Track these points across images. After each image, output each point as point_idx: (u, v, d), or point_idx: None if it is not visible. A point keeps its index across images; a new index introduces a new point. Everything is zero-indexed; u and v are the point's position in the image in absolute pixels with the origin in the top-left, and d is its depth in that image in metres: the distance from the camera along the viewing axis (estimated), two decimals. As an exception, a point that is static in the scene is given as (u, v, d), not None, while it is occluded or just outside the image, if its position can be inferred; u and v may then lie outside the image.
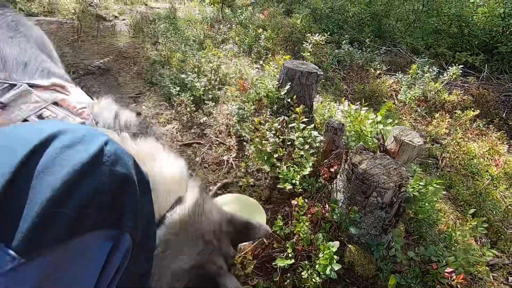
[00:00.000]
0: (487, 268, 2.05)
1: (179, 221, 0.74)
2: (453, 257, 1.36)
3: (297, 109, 1.92)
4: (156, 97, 3.28)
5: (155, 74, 3.47)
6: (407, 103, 3.75)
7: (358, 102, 2.75)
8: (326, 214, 1.63)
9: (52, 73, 1.00)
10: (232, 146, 2.30)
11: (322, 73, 2.26)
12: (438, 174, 2.91)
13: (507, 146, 3.29)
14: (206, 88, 3.02)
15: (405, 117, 3.62)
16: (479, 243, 2.25)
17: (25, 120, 0.77)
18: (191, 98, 2.79)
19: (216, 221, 0.82)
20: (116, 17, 5.67)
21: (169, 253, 0.71)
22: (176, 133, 2.61)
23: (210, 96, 2.91)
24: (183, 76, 2.96)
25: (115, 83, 3.47)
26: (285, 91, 2.28)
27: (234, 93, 2.52)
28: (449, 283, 1.44)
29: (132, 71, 3.65)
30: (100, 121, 0.83)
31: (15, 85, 0.83)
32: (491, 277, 2.06)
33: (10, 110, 0.77)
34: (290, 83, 2.29)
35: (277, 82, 2.47)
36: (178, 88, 2.95)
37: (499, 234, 2.32)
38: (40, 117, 0.79)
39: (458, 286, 1.44)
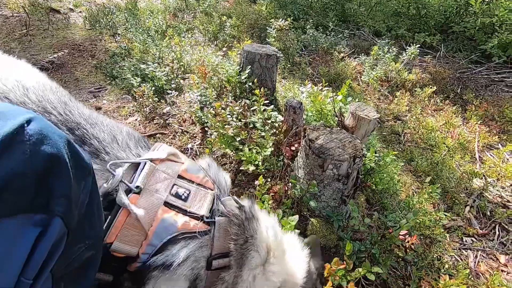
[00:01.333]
0: (443, 230, 2.20)
1: None
2: (405, 220, 1.45)
3: (256, 91, 1.92)
4: (118, 90, 3.15)
5: (115, 67, 3.32)
6: (370, 84, 3.88)
7: (321, 84, 2.80)
8: (288, 191, 1.67)
9: (138, 138, 0.99)
10: (196, 133, 2.27)
11: (281, 54, 2.27)
12: (400, 149, 3.05)
13: (462, 119, 3.51)
14: (169, 77, 2.93)
15: (369, 97, 3.74)
16: (436, 208, 2.41)
17: (165, 202, 0.80)
18: (153, 88, 2.71)
19: None
20: (71, 9, 5.32)
21: None
22: (139, 125, 2.53)
23: (173, 85, 2.83)
24: (143, 66, 2.85)
25: (72, 79, 3.29)
26: (246, 74, 2.26)
27: (195, 80, 2.47)
28: (404, 244, 1.53)
29: (90, 64, 3.47)
30: (220, 188, 0.91)
31: (137, 162, 0.83)
32: (448, 239, 2.22)
33: (148, 192, 0.78)
34: (250, 66, 2.28)
35: (238, 67, 2.45)
36: (139, 80, 2.85)
37: (454, 199, 2.49)
38: (177, 195, 0.82)
39: (412, 246, 1.54)
